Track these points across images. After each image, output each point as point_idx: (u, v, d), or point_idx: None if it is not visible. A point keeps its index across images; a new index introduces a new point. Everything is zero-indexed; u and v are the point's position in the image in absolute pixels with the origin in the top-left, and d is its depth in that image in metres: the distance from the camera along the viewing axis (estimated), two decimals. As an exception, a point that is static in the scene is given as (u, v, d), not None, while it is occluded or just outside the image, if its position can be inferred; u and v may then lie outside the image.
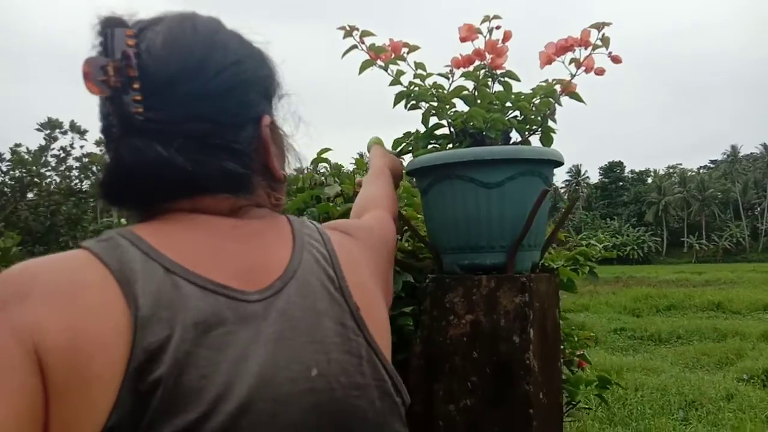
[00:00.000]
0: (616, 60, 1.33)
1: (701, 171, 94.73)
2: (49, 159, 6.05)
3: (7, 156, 5.76)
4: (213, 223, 0.67)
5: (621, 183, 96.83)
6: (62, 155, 6.24)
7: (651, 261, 70.45)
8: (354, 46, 1.35)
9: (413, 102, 1.39)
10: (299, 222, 0.76)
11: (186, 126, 0.63)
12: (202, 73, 0.64)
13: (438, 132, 1.44)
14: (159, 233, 0.64)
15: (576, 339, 1.88)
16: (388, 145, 1.42)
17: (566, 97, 1.43)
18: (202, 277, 0.61)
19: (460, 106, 1.43)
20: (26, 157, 5.80)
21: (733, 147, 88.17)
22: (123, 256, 0.59)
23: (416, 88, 1.40)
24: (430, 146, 1.40)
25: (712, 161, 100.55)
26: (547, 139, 1.37)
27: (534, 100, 1.40)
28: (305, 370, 0.62)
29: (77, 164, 6.36)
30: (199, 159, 0.64)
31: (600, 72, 1.36)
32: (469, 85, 1.40)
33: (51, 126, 5.82)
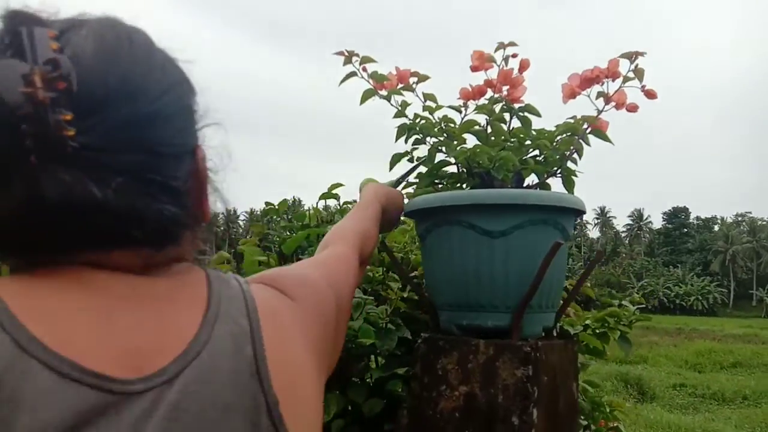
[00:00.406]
0: (650, 95, 1.15)
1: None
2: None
3: None
4: (108, 285, 0.52)
5: (685, 230, 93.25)
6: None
7: (716, 313, 66.87)
8: (353, 73, 1.22)
9: (417, 137, 1.24)
10: (221, 281, 0.61)
11: (123, 157, 0.51)
12: (144, 95, 0.53)
13: (447, 169, 1.28)
14: (28, 293, 0.49)
15: (608, 410, 1.65)
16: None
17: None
18: (68, 361, 0.46)
19: (473, 142, 1.27)
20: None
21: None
22: None
23: (422, 122, 1.25)
24: (435, 185, 1.24)
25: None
26: (568, 183, 1.19)
27: (557, 138, 1.23)
28: None
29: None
30: (138, 203, 0.52)
31: (632, 108, 1.18)
32: (482, 119, 1.24)
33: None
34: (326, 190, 1.73)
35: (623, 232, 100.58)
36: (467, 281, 1.07)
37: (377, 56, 1.20)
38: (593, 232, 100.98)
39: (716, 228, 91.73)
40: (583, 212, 1.13)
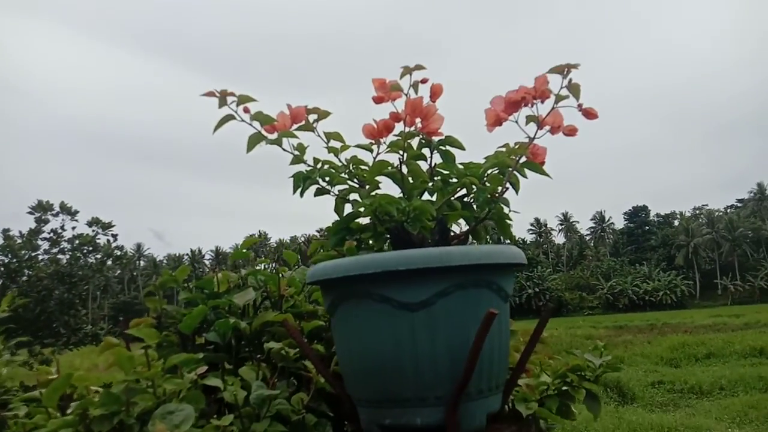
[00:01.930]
0: (589, 114, 0.95)
1: (729, 210, 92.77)
2: (39, 242, 5.82)
3: (-1, 241, 5.54)
4: None
5: (647, 227, 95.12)
6: (54, 237, 6.00)
7: (685, 305, 68.03)
8: (230, 117, 0.99)
9: (319, 186, 1.02)
10: None
11: None
12: None
13: (362, 222, 1.06)
14: None
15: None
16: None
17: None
18: None
19: (390, 186, 1.06)
20: (18, 241, 5.55)
21: (760, 185, 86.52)
22: None
23: (323, 167, 1.03)
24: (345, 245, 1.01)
25: (738, 200, 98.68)
26: (502, 228, 0.98)
27: (487, 173, 1.02)
28: None
29: (69, 246, 6.12)
30: None
31: (571, 132, 0.98)
32: (394, 159, 1.02)
33: (42, 208, 5.60)
34: (240, 246, 1.49)
35: (587, 235, 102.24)
36: (385, 369, 0.84)
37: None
38: (558, 238, 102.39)
39: (676, 223, 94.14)
40: (524, 264, 0.92)
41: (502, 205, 0.98)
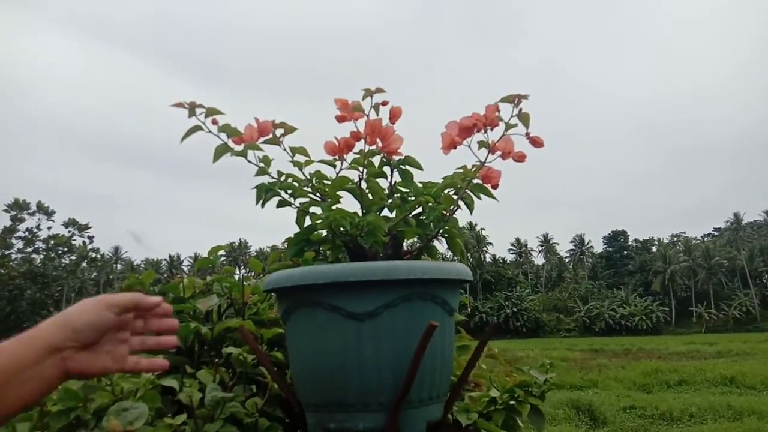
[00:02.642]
0: (536, 143, 1.01)
1: (706, 239, 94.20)
2: (14, 241, 5.74)
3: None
4: None
5: (626, 252, 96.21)
6: (28, 237, 5.91)
7: (660, 331, 68.72)
8: (198, 128, 1.04)
9: (281, 198, 1.07)
10: None
11: None
12: None
13: (320, 233, 1.11)
14: None
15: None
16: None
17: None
18: None
19: (350, 202, 1.11)
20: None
21: (736, 215, 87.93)
22: None
23: (288, 180, 1.08)
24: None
25: (716, 229, 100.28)
26: (453, 245, 1.04)
27: (443, 192, 1.08)
28: None
29: (43, 246, 6.05)
30: None
31: (520, 158, 1.04)
32: (355, 175, 1.08)
33: (18, 207, 5.53)
34: (206, 254, 1.53)
35: (567, 257, 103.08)
36: (332, 375, 0.88)
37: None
38: (538, 259, 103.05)
39: (654, 249, 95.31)
40: (469, 281, 0.97)
41: (453, 224, 1.03)
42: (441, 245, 1.16)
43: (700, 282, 79.18)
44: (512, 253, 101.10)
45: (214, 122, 1.05)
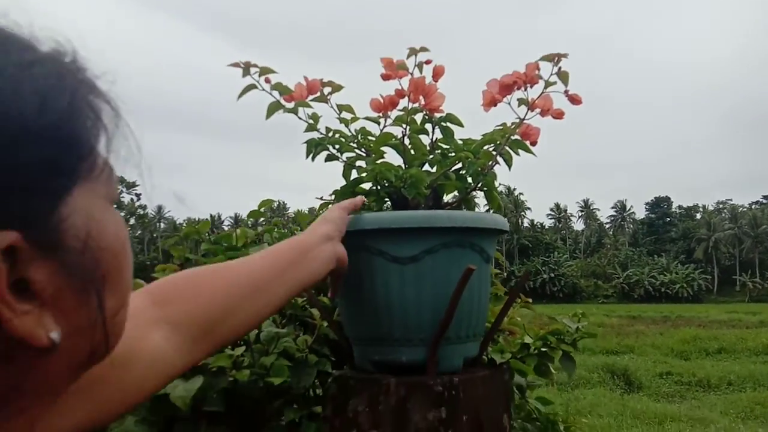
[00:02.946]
0: (574, 100, 1.06)
1: (753, 207, 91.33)
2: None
3: None
4: None
5: (668, 219, 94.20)
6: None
7: (701, 299, 67.56)
8: (252, 86, 1.12)
9: (329, 152, 1.14)
10: None
11: None
12: None
13: (365, 187, 1.18)
14: None
15: (562, 428, 1.56)
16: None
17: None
18: None
19: (394, 157, 1.18)
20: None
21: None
22: None
23: (335, 135, 1.15)
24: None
25: (765, 197, 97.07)
26: (490, 198, 1.10)
27: (483, 148, 1.13)
28: None
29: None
30: None
31: (558, 115, 1.09)
32: (398, 131, 1.14)
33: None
34: (257, 207, 1.63)
35: (607, 223, 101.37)
36: (378, 313, 0.97)
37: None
38: (577, 225, 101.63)
39: (698, 216, 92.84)
40: (505, 231, 1.04)
41: (491, 178, 1.09)
42: (480, 200, 1.22)
43: (746, 251, 77.09)
44: (551, 219, 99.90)
45: (267, 81, 1.13)
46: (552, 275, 70.68)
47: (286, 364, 1.12)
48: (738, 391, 11.04)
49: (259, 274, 0.76)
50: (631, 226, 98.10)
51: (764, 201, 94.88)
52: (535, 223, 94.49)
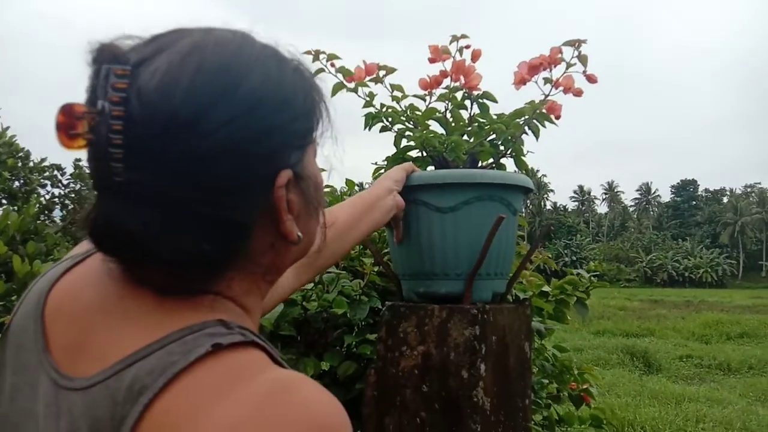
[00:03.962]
0: (591, 80, 1.26)
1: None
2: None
3: (69, 170, 6.08)
4: (110, 295, 0.57)
5: (694, 202, 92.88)
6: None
7: (726, 285, 66.80)
8: (321, 70, 1.34)
9: (383, 124, 1.36)
10: (188, 336, 0.51)
11: (169, 192, 0.51)
12: (195, 129, 0.51)
13: (412, 154, 1.40)
14: (69, 291, 0.59)
15: (575, 372, 1.78)
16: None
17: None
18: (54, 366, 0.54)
19: (437, 128, 1.39)
20: (87, 171, 6.11)
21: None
22: None
23: (387, 110, 1.37)
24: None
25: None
26: (519, 163, 1.31)
27: (513, 122, 1.34)
28: None
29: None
30: (162, 237, 0.52)
31: (578, 93, 1.29)
32: (442, 106, 1.36)
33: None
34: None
35: (631, 206, 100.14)
36: (422, 253, 1.19)
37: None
38: (601, 207, 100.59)
39: (725, 200, 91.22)
40: (531, 190, 1.25)
41: (519, 146, 1.30)
42: (510, 166, 1.43)
43: (773, 236, 75.70)
44: (574, 201, 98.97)
45: (333, 65, 1.35)
46: (574, 258, 70.41)
47: (344, 300, 1.35)
48: (758, 375, 11.00)
49: (350, 215, 1.06)
50: (656, 209, 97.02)
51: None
52: (558, 205, 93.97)
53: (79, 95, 0.52)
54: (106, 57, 0.51)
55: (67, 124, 0.49)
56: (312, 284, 1.36)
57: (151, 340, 0.51)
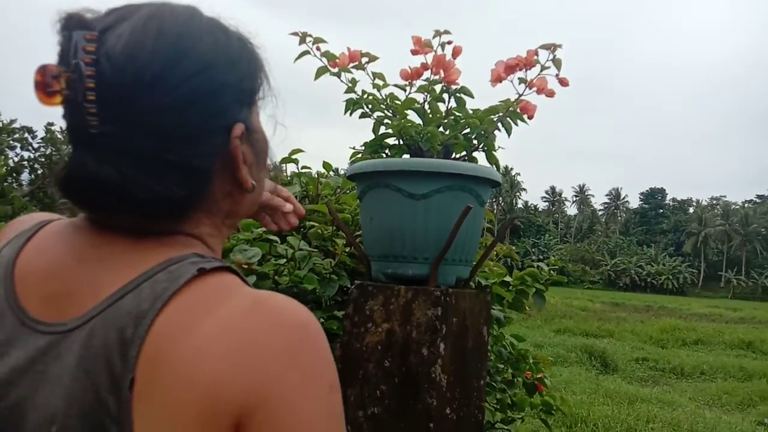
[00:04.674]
0: (563, 83, 1.32)
1: (746, 205, 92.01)
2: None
3: (40, 134, 5.97)
4: (83, 242, 0.62)
5: (661, 210, 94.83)
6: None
7: (686, 293, 68.47)
8: (306, 52, 1.38)
9: (363, 111, 1.41)
10: (172, 266, 0.58)
11: (137, 142, 0.58)
12: (160, 85, 0.58)
13: (389, 142, 1.46)
14: (39, 246, 0.64)
15: (531, 361, 1.86)
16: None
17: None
18: (25, 311, 0.59)
19: (415, 118, 1.45)
20: (59, 136, 6.02)
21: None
22: None
23: (368, 97, 1.42)
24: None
25: (758, 196, 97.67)
26: (490, 157, 1.38)
27: (487, 117, 1.40)
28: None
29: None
30: (136, 183, 0.58)
31: (550, 94, 1.36)
32: (421, 97, 1.41)
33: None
34: (287, 155, 1.90)
35: (600, 210, 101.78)
36: (393, 236, 1.25)
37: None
38: (571, 209, 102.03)
39: (691, 210, 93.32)
40: (499, 183, 1.32)
41: (491, 141, 1.37)
42: (482, 160, 1.49)
43: (734, 248, 77.75)
44: (545, 201, 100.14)
45: (318, 48, 1.39)
46: (541, 257, 71.37)
47: (314, 277, 1.41)
48: (709, 381, 11.34)
49: None
50: (624, 214, 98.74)
51: (758, 200, 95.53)
52: (529, 204, 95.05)
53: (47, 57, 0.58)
54: (74, 24, 0.58)
55: (44, 82, 0.56)
56: (284, 260, 1.42)
57: (134, 275, 0.57)
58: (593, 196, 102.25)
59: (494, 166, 1.41)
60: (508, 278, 1.62)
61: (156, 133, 0.59)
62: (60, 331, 0.56)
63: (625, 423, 6.95)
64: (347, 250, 1.53)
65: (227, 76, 0.63)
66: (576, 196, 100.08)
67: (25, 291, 0.61)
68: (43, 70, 0.56)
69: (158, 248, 0.61)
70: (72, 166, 0.59)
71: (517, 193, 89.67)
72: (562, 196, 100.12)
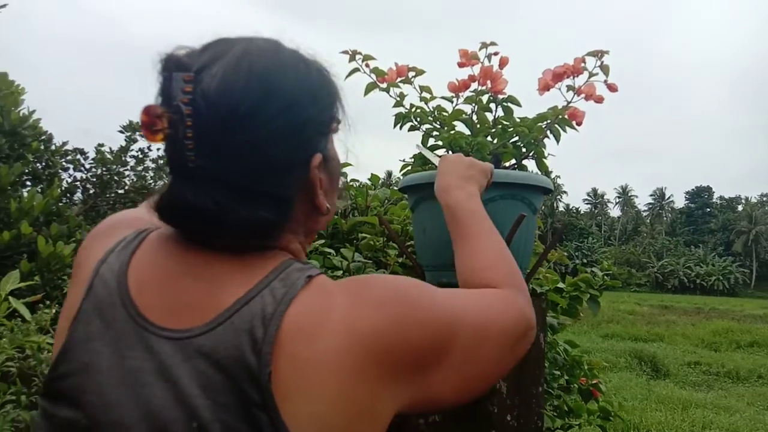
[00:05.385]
0: (611, 89, 1.33)
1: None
2: (128, 159, 6.46)
3: (92, 155, 6.21)
4: (191, 260, 0.68)
5: (708, 209, 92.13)
6: (140, 156, 6.64)
7: (737, 293, 66.17)
8: (356, 69, 1.42)
9: (412, 124, 1.44)
10: (281, 274, 0.65)
11: (230, 174, 0.64)
12: (252, 123, 0.64)
13: (439, 153, 1.48)
14: (147, 258, 0.69)
15: (585, 367, 1.85)
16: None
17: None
18: (141, 315, 0.65)
19: (463, 129, 1.47)
20: (108, 156, 6.24)
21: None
22: None
23: (417, 111, 1.44)
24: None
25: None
26: (540, 164, 1.39)
27: (536, 125, 1.42)
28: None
29: (153, 165, 6.78)
30: (230, 211, 0.64)
31: (599, 100, 1.36)
32: (468, 108, 1.43)
33: (131, 128, 6.22)
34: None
35: (645, 211, 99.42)
36: (446, 245, 1.27)
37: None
38: (614, 211, 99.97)
39: (740, 208, 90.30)
40: (550, 190, 1.32)
41: (541, 148, 1.38)
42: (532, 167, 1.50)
43: (788, 246, 74.80)
44: (587, 204, 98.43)
45: (367, 65, 1.43)
46: (585, 261, 70.11)
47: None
48: (767, 384, 10.98)
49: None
50: (669, 215, 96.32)
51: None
52: (570, 207, 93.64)
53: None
54: (173, 65, 0.64)
55: (149, 122, 0.62)
56: (341, 271, 1.45)
57: (250, 286, 0.63)
58: (636, 196, 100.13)
59: (544, 173, 1.42)
60: (561, 285, 1.62)
61: (247, 166, 0.64)
62: (185, 336, 0.62)
63: (680, 429, 6.78)
64: (399, 260, 1.56)
65: (310, 111, 0.69)
66: (619, 197, 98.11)
67: (144, 301, 0.66)
68: (147, 111, 0.63)
69: (261, 262, 0.67)
70: (172, 195, 0.65)
71: (558, 197, 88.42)
72: (605, 197, 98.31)
